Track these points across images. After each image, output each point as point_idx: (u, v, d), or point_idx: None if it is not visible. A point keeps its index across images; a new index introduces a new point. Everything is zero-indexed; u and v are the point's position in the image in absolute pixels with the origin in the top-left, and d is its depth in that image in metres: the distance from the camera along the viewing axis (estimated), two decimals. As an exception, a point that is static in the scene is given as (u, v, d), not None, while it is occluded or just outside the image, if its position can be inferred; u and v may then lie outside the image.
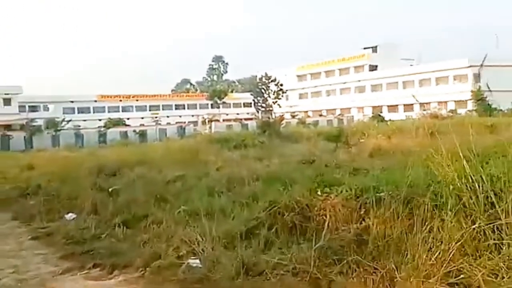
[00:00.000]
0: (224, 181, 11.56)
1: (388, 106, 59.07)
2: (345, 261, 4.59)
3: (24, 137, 39.58)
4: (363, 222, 5.20)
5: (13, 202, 11.75)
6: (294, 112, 60.34)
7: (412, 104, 58.19)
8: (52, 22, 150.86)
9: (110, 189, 10.37)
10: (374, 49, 69.89)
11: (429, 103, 53.25)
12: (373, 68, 68.48)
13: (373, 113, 58.94)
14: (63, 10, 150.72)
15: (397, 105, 59.68)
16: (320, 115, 60.57)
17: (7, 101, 57.00)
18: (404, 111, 56.49)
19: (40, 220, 9.40)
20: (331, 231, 5.10)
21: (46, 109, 68.01)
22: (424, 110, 43.92)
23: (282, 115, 42.77)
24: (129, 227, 8.40)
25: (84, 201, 10.12)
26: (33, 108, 65.44)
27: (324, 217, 5.46)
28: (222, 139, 25.44)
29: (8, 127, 46.42)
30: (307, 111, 67.49)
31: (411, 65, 65.76)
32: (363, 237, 4.92)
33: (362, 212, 5.41)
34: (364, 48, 71.11)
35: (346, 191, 5.93)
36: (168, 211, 8.83)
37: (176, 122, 55.50)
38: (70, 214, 9.75)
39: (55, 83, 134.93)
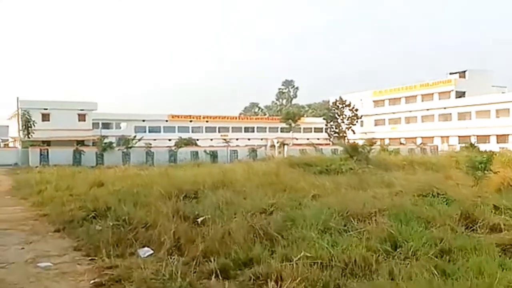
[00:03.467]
0: (335, 214, 8.96)
1: (477, 136, 53.63)
2: None
3: (96, 153, 38.95)
4: None
5: (77, 226, 9.59)
6: (373, 139, 56.54)
7: (507, 135, 52.79)
8: (127, 43, 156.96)
9: (199, 220, 7.80)
10: (462, 74, 64.69)
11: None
12: (460, 94, 63.14)
13: (459, 143, 53.98)
14: (140, 32, 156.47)
15: (488, 136, 54.24)
16: (400, 143, 56.13)
17: (81, 117, 57.62)
18: (497, 142, 51.16)
19: (107, 254, 7.03)
20: None
21: (118, 127, 68.95)
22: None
23: (374, 139, 39.37)
24: (229, 276, 5.82)
25: (162, 232, 7.72)
26: (106, 125, 66.44)
27: None
28: (303, 163, 23.34)
29: (81, 142, 46.33)
30: (383, 139, 63.16)
31: (502, 92, 60.00)
32: None
33: None
34: (451, 74, 66.07)
35: None
36: (281, 256, 6.20)
37: (246, 145, 53.49)
38: (145, 249, 7.39)
39: (127, 103, 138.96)
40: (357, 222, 8.51)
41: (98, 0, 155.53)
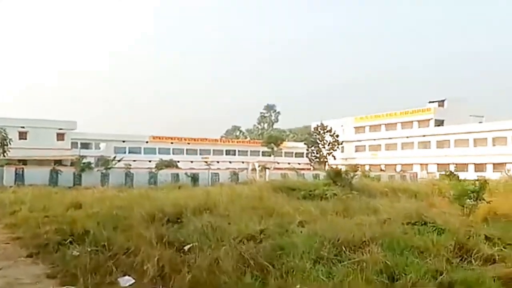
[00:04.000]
0: (326, 242, 8.61)
1: (456, 164, 54.32)
2: None
3: (74, 173, 37.98)
4: None
5: (52, 251, 9.02)
6: (356, 165, 56.84)
7: (484, 164, 53.62)
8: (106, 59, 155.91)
9: (186, 248, 7.38)
10: (441, 103, 65.98)
11: (504, 163, 48.80)
12: (439, 123, 64.23)
13: (438, 170, 54.47)
14: (117, 49, 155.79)
15: (467, 164, 55.00)
16: (381, 170, 56.46)
17: (60, 136, 56.39)
18: (475, 171, 51.82)
19: (84, 282, 6.54)
20: None
21: (97, 147, 67.87)
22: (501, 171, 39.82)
23: (357, 165, 39.39)
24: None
25: (145, 260, 7.24)
26: (85, 145, 65.28)
27: None
28: (286, 188, 22.92)
29: (58, 162, 45.17)
30: (364, 165, 63.43)
31: (480, 122, 61.21)
32: None
33: None
34: (430, 102, 67.30)
35: None
36: (274, 289, 5.81)
37: (227, 168, 53.07)
38: (126, 278, 6.92)
39: (105, 122, 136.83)
40: (349, 252, 8.18)
41: (81, 19, 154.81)
